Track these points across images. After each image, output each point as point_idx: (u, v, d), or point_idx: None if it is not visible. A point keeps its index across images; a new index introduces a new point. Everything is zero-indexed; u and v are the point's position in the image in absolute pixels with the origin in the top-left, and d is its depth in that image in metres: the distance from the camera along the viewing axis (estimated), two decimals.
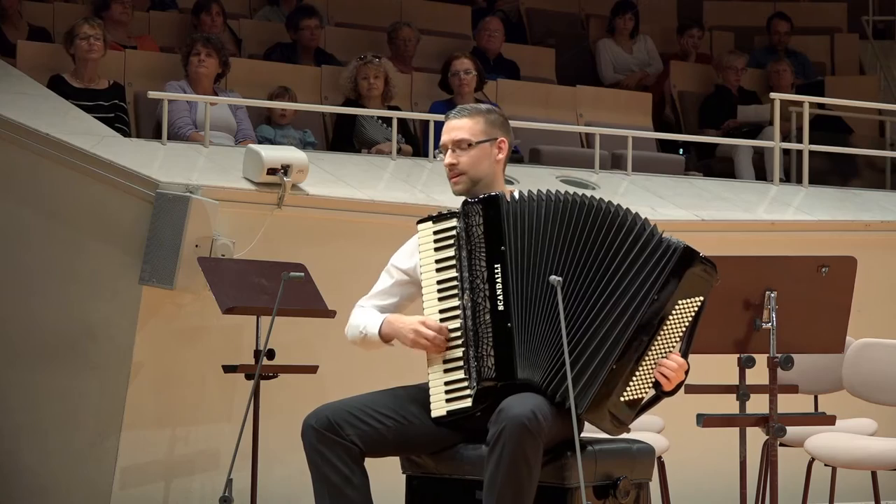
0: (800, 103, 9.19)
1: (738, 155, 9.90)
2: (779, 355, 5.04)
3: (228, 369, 6.33)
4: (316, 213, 6.96)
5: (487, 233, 4.30)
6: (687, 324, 4.30)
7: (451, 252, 4.34)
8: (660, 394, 4.32)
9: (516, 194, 4.38)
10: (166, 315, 6.67)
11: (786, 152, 9.28)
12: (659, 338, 4.25)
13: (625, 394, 4.24)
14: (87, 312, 6.76)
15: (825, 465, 5.93)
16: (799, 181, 8.87)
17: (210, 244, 6.53)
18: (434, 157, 7.73)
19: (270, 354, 6.13)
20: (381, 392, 4.43)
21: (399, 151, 7.98)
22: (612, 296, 4.25)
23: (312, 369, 6.48)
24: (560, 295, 4.17)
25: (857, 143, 10.51)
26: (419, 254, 4.42)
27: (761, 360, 5.10)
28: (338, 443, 4.26)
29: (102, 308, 6.73)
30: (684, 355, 4.32)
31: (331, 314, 6.41)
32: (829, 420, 5.46)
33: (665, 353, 4.27)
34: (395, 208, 7.08)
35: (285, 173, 6.77)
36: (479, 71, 9.02)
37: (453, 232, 4.35)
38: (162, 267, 6.47)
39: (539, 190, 4.37)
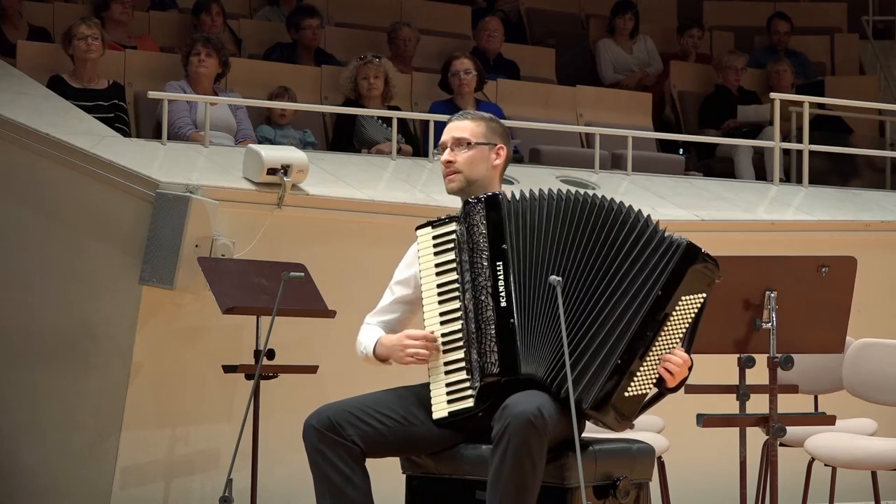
0: (800, 103, 9.19)
1: (738, 155, 9.90)
2: (779, 355, 5.04)
3: (228, 369, 6.33)
4: (316, 213, 6.96)
5: (489, 231, 4.30)
6: (690, 321, 4.31)
7: (451, 256, 4.36)
8: (663, 390, 4.32)
9: (517, 194, 4.39)
10: (166, 315, 6.67)
11: (786, 152, 9.28)
12: (662, 334, 4.26)
13: (629, 389, 4.24)
14: (87, 312, 6.76)
15: (825, 465, 5.93)
16: (799, 181, 8.87)
17: (210, 244, 6.53)
18: (433, 157, 7.74)
19: (270, 354, 6.13)
20: (384, 392, 4.44)
21: (399, 151, 7.98)
22: (615, 292, 4.26)
23: (312, 369, 6.48)
24: (560, 295, 4.18)
25: (857, 143, 10.51)
26: (419, 259, 4.43)
27: (761, 360, 5.10)
28: (339, 443, 4.26)
29: (102, 308, 6.73)
30: (686, 352, 4.33)
31: (331, 314, 6.41)
32: (829, 420, 5.45)
33: (668, 349, 4.28)
34: (395, 208, 7.08)
35: (285, 173, 6.77)
36: (479, 71, 9.02)
37: (452, 236, 4.36)
38: (162, 267, 6.47)
39: (540, 189, 4.38)
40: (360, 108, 8.43)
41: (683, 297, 4.27)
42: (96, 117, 7.43)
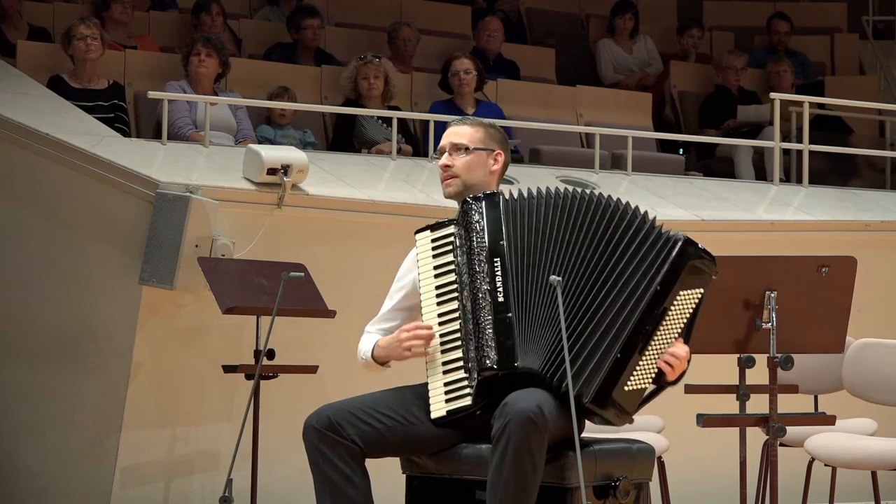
0: (800, 103, 9.19)
1: (738, 155, 9.90)
2: (779, 355, 5.04)
3: (228, 369, 6.33)
4: (316, 213, 6.96)
5: (487, 229, 4.32)
6: (688, 315, 4.32)
7: (449, 258, 4.38)
8: (663, 384, 4.33)
9: (515, 192, 4.40)
10: (166, 315, 6.67)
11: (786, 152, 9.28)
12: (661, 328, 4.27)
13: (629, 383, 4.24)
14: (87, 312, 6.76)
15: (825, 465, 5.93)
16: (799, 181, 8.87)
17: (210, 244, 6.53)
18: (433, 157, 7.73)
19: (270, 354, 6.13)
20: (384, 392, 4.44)
21: (399, 151, 7.98)
22: (613, 287, 4.27)
23: (312, 369, 6.48)
24: (560, 295, 4.19)
25: (857, 143, 10.51)
26: (418, 263, 4.45)
27: (761, 360, 5.09)
28: (339, 443, 4.27)
29: (102, 308, 6.73)
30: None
31: (331, 314, 6.41)
32: (829, 420, 5.45)
33: (667, 343, 4.29)
34: (394, 208, 7.08)
35: (285, 173, 6.77)
36: (479, 71, 9.02)
37: (451, 238, 4.38)
38: (162, 267, 6.47)
39: (538, 187, 4.39)
40: (360, 108, 8.43)
41: (682, 292, 4.28)
42: (96, 117, 7.43)
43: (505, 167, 4.58)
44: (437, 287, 4.38)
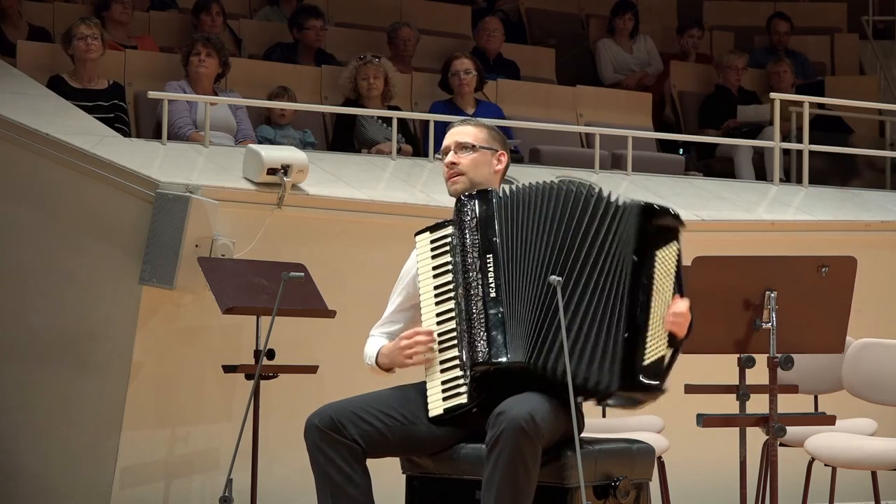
0: (800, 103, 9.19)
1: (738, 155, 9.90)
2: (779, 355, 5.04)
3: (228, 369, 6.33)
4: (316, 213, 6.96)
5: (480, 225, 4.36)
6: (674, 272, 4.34)
7: (447, 258, 4.41)
8: (677, 344, 4.34)
9: (506, 189, 4.44)
10: (166, 315, 6.67)
11: (786, 152, 9.28)
12: (654, 294, 4.28)
13: (647, 356, 4.25)
14: (87, 312, 6.76)
15: (825, 465, 5.93)
16: (799, 181, 8.87)
17: (210, 244, 6.53)
18: (434, 157, 7.73)
19: (270, 354, 6.13)
20: (386, 390, 4.46)
21: (399, 151, 7.98)
22: (594, 270, 4.29)
23: (312, 369, 6.48)
24: (560, 294, 4.20)
25: (857, 143, 10.51)
26: (417, 264, 4.48)
27: (761, 360, 5.09)
28: (340, 442, 4.28)
29: (102, 308, 6.73)
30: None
31: (331, 314, 6.41)
32: (829, 420, 5.45)
33: (665, 305, 4.31)
34: (394, 208, 7.08)
35: (285, 173, 6.77)
36: (479, 71, 9.02)
37: (449, 239, 4.41)
38: (162, 267, 6.47)
39: (531, 182, 4.43)
40: (360, 108, 8.43)
41: (658, 254, 4.31)
42: (96, 117, 7.43)
43: (506, 168, 4.62)
44: (436, 287, 4.41)
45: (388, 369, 4.54)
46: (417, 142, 8.69)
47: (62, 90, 7.72)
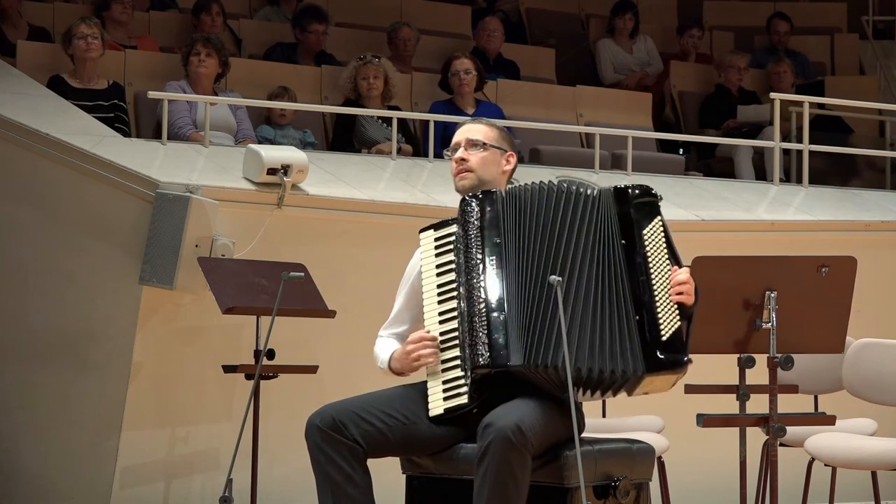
0: (800, 103, 9.19)
1: (738, 155, 9.90)
2: (779, 355, 5.03)
3: (228, 369, 6.33)
4: (316, 213, 6.96)
5: (483, 227, 4.37)
6: (664, 246, 4.37)
7: (450, 257, 4.42)
8: (689, 313, 4.36)
9: (510, 192, 4.44)
10: (166, 315, 6.67)
11: (786, 152, 9.28)
12: (653, 271, 4.31)
13: (663, 333, 4.27)
14: (87, 312, 6.76)
15: (825, 465, 5.93)
16: (799, 181, 8.87)
17: (210, 244, 6.53)
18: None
19: (270, 354, 6.13)
20: (387, 390, 4.48)
21: (399, 151, 7.98)
22: (589, 263, 4.32)
23: (312, 369, 6.47)
24: (560, 294, 4.20)
25: (857, 143, 10.51)
26: (421, 261, 4.49)
27: (761, 360, 5.09)
28: (341, 442, 4.28)
29: (102, 308, 6.73)
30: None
31: (331, 314, 6.41)
32: (829, 420, 5.45)
33: (666, 278, 4.33)
34: (395, 208, 7.08)
35: (285, 173, 6.77)
36: (479, 71, 9.02)
37: (453, 237, 4.42)
38: (162, 267, 6.47)
39: (528, 182, 4.44)
40: (360, 108, 8.43)
41: (644, 232, 4.35)
42: (96, 117, 7.43)
43: (514, 169, 4.64)
44: (438, 286, 4.42)
45: (400, 373, 4.55)
46: (417, 142, 8.69)
47: (62, 90, 7.72)
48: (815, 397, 6.45)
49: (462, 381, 4.32)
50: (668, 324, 4.29)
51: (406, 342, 4.46)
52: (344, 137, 8.51)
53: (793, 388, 5.57)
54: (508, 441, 4.09)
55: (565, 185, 4.41)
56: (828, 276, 5.07)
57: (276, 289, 5.97)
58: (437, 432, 4.37)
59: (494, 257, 4.34)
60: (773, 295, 5.01)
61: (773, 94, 8.91)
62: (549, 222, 4.36)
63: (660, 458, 6.04)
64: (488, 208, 4.38)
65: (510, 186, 4.49)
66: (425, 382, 4.42)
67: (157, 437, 6.73)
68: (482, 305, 4.30)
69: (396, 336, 4.62)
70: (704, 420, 5.12)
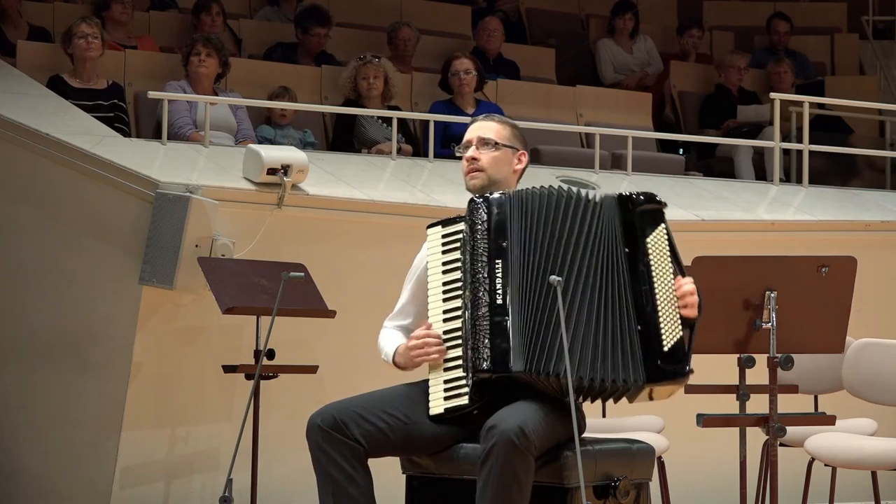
0: (800, 103, 9.19)
1: (738, 155, 9.90)
2: (779, 355, 5.03)
3: (228, 369, 6.33)
4: (316, 213, 6.96)
5: (490, 229, 4.35)
6: (668, 254, 4.35)
7: (457, 255, 4.40)
8: (692, 324, 4.34)
9: (517, 195, 4.41)
10: (166, 315, 6.67)
11: (786, 152, 9.28)
12: (656, 280, 4.30)
13: (664, 343, 4.26)
14: (87, 312, 6.76)
15: (825, 465, 5.93)
16: (799, 181, 8.87)
17: (210, 244, 6.53)
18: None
19: (270, 354, 6.13)
20: (388, 389, 4.47)
21: (399, 151, 7.98)
22: (592, 271, 4.30)
23: (312, 369, 6.47)
24: (560, 294, 4.20)
25: (857, 143, 10.51)
26: (427, 257, 4.48)
27: (761, 360, 5.09)
28: (343, 442, 4.28)
29: (102, 308, 6.73)
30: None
31: (331, 314, 6.41)
32: (829, 420, 5.45)
33: (670, 288, 4.31)
34: (394, 208, 7.08)
35: (285, 173, 6.77)
36: (479, 71, 9.02)
37: (460, 235, 4.40)
38: (162, 267, 6.47)
39: (540, 186, 4.42)
40: (360, 108, 8.43)
41: (648, 240, 4.33)
42: (96, 117, 7.43)
43: (525, 169, 4.62)
44: (444, 283, 4.41)
45: (404, 368, 4.54)
46: (417, 142, 8.69)
47: (62, 90, 7.72)
48: (815, 397, 6.45)
49: (463, 382, 4.31)
50: (670, 334, 4.28)
51: (410, 337, 4.46)
52: (344, 137, 8.51)
53: (793, 388, 5.57)
54: (512, 444, 4.09)
55: (574, 191, 4.38)
56: (828, 276, 5.07)
57: (276, 289, 5.97)
58: (437, 432, 4.37)
59: (500, 260, 4.31)
60: (773, 295, 5.01)
61: (773, 94, 8.91)
62: (554, 228, 4.33)
63: (660, 458, 6.04)
64: (496, 210, 4.35)
65: (517, 190, 4.45)
66: (427, 381, 4.41)
67: (157, 437, 6.73)
68: (486, 308, 4.29)
69: (401, 328, 4.61)
70: (704, 420, 5.13)
